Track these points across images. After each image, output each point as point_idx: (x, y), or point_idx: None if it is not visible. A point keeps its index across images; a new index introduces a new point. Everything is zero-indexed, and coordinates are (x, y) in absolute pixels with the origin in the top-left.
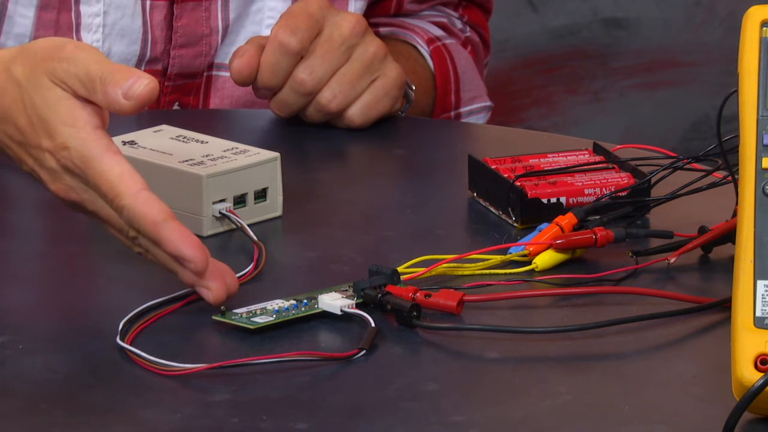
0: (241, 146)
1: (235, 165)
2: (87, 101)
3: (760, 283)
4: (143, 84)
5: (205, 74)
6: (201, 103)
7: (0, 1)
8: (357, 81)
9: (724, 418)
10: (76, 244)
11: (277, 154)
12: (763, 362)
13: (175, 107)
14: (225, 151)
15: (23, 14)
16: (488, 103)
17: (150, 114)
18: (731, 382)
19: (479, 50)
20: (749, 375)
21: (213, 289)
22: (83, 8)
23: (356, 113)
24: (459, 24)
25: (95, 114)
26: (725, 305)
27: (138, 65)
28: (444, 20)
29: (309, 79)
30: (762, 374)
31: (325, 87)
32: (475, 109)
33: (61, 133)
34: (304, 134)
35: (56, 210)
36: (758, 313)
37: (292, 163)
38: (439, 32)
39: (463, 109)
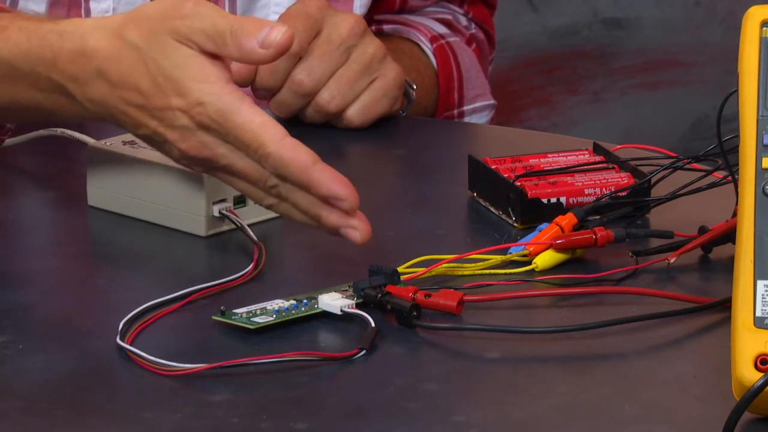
0: None
1: None
2: (214, 56)
3: (760, 283)
4: (281, 32)
5: None
6: None
7: None
8: (355, 82)
9: (724, 418)
10: (76, 244)
11: None
12: (763, 362)
13: None
14: None
15: (34, 10)
16: (491, 102)
17: None
18: (731, 382)
19: (484, 47)
20: (749, 375)
21: (360, 228)
22: (93, 5)
23: (355, 114)
24: (464, 21)
25: (224, 68)
26: (725, 305)
27: None
28: (449, 17)
29: (308, 80)
30: (762, 374)
31: (324, 88)
32: (479, 107)
33: (194, 90)
34: (304, 134)
35: (56, 210)
36: (758, 313)
37: None
38: (443, 30)
39: (466, 107)
